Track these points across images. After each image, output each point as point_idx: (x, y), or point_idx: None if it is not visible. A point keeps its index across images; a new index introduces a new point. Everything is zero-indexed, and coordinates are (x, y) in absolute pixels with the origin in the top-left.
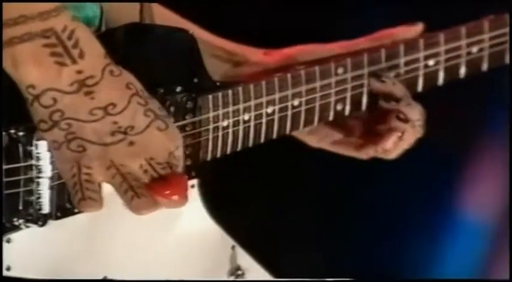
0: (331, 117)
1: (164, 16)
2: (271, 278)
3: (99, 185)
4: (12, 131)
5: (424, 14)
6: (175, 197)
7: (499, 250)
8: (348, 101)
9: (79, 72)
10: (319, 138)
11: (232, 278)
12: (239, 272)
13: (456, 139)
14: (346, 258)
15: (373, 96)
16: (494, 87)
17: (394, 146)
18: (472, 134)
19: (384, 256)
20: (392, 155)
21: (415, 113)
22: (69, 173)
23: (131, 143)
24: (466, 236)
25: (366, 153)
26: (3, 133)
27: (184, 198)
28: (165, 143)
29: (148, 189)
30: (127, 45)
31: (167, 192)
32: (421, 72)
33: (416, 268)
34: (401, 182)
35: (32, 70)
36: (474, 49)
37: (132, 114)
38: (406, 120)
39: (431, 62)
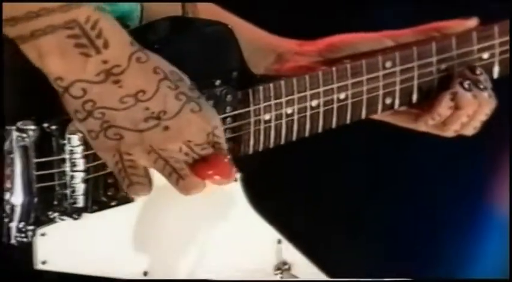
0: (379, 111)
1: (209, 11)
2: (317, 271)
3: (145, 169)
4: (45, 125)
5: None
6: (217, 177)
7: None
8: (397, 95)
9: (104, 62)
10: (382, 116)
11: (278, 273)
12: (285, 267)
13: (490, 136)
14: (385, 254)
15: (426, 89)
16: None
17: (447, 110)
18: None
19: (421, 254)
20: (451, 129)
21: (491, 103)
22: (112, 160)
23: (166, 128)
24: (498, 233)
25: (424, 122)
26: (36, 127)
27: (227, 176)
28: (201, 124)
29: (191, 170)
30: (166, 38)
31: (210, 172)
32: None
33: (452, 266)
34: (436, 178)
35: (58, 62)
36: None
37: (163, 99)
38: (468, 89)
39: (485, 55)
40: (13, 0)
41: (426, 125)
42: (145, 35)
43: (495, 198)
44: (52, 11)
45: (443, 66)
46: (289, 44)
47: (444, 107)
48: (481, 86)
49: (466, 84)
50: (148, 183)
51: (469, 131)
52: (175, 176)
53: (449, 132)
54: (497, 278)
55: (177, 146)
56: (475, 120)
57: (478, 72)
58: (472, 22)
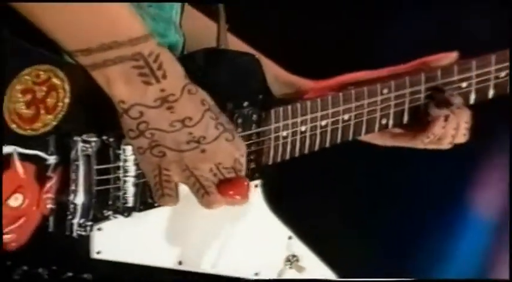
0: (376, 130)
1: (236, 44)
2: (320, 262)
3: (176, 184)
4: (105, 138)
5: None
6: (237, 197)
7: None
8: (391, 117)
9: (162, 90)
10: (381, 136)
11: (288, 264)
12: (294, 259)
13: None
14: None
15: (414, 112)
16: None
17: (441, 129)
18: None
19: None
20: (445, 142)
21: (466, 113)
22: (151, 173)
23: (203, 151)
24: (477, 233)
25: (421, 141)
26: (97, 139)
27: (245, 197)
28: (232, 151)
29: (217, 189)
30: (204, 66)
31: (231, 192)
32: (453, 93)
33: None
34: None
35: (122, 88)
36: (502, 74)
37: (205, 127)
38: (449, 105)
39: (464, 84)
40: (40, 0)
41: (423, 143)
42: (188, 64)
43: (473, 201)
44: (122, 44)
45: (420, 91)
46: (307, 82)
47: (438, 127)
48: (454, 102)
49: (455, 103)
50: (176, 196)
51: (461, 139)
52: (202, 192)
53: (445, 145)
54: (497, 278)
55: (208, 166)
56: (460, 130)
57: (446, 90)
58: (454, 55)
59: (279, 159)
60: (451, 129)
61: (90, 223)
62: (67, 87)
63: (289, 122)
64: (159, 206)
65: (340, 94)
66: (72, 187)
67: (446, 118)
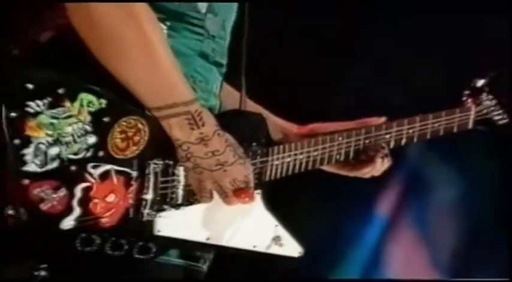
0: (333, 162)
1: (253, 107)
2: (293, 240)
3: (210, 190)
4: (167, 161)
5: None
6: (246, 199)
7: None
8: (343, 154)
9: (201, 133)
10: (334, 166)
11: (273, 241)
12: (278, 239)
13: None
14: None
15: (356, 152)
16: None
17: (380, 165)
18: None
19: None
20: (378, 173)
21: (388, 159)
22: (194, 184)
23: (225, 170)
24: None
25: (362, 172)
26: (162, 162)
27: (251, 200)
28: (243, 171)
29: (233, 194)
30: (231, 120)
31: (243, 196)
32: (381, 141)
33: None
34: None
35: (178, 132)
36: (411, 131)
37: (227, 156)
38: (386, 155)
39: (387, 136)
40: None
41: (362, 172)
42: (222, 118)
43: (378, 208)
44: (179, 105)
45: (367, 140)
46: (292, 127)
47: (379, 163)
48: (384, 153)
49: (382, 153)
50: (210, 197)
51: (380, 172)
52: (224, 195)
53: (367, 176)
54: (497, 279)
55: (228, 180)
56: (384, 165)
57: (383, 146)
58: (383, 119)
59: (272, 178)
60: (378, 165)
61: (154, 213)
62: (146, 129)
63: (280, 155)
64: (198, 203)
65: (313, 140)
66: (145, 191)
67: (384, 158)
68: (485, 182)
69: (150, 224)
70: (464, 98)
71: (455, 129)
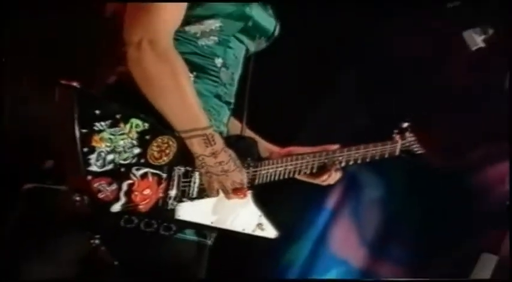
0: (302, 173)
1: (248, 132)
2: (272, 228)
3: (217, 189)
4: (187, 168)
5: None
6: (241, 196)
7: None
8: (309, 168)
9: (213, 149)
10: (301, 176)
11: (257, 227)
12: (261, 225)
13: None
14: None
15: (318, 168)
16: None
17: (334, 176)
18: None
19: None
20: (332, 181)
21: (339, 172)
22: (206, 184)
23: (227, 176)
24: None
25: (321, 180)
26: (184, 168)
27: (245, 197)
28: (240, 177)
29: (232, 192)
30: (233, 142)
31: (239, 194)
32: (335, 160)
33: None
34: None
35: (197, 148)
36: (351, 158)
37: (229, 165)
38: (338, 170)
39: (340, 158)
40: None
41: (321, 181)
42: (228, 140)
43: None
44: (198, 129)
45: (326, 160)
46: (275, 148)
47: (333, 174)
48: (336, 168)
49: (335, 168)
50: (217, 193)
51: (332, 182)
52: (226, 192)
53: (325, 183)
54: (497, 279)
55: (229, 182)
56: (337, 176)
57: (336, 164)
58: (337, 146)
59: (260, 183)
60: (333, 177)
61: (176, 203)
62: (175, 145)
63: (266, 167)
64: (207, 197)
65: (289, 157)
66: (170, 188)
67: (336, 171)
68: (399, 189)
69: (172, 211)
70: (393, 135)
71: (386, 156)
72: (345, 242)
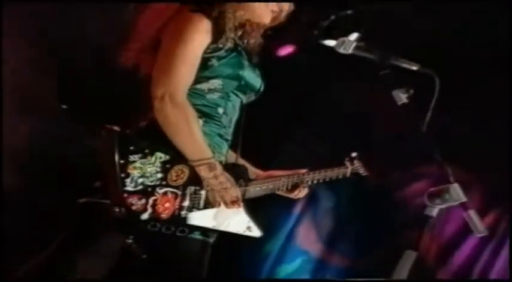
0: (280, 190)
1: (241, 161)
2: (257, 229)
3: (218, 202)
4: (196, 187)
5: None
6: (236, 206)
7: None
8: (285, 186)
9: (215, 174)
10: (279, 192)
11: (247, 229)
12: (250, 227)
13: None
14: None
15: (292, 186)
16: None
17: (303, 192)
18: None
19: None
20: (302, 195)
21: (307, 189)
22: (211, 198)
23: (226, 192)
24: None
25: (293, 195)
26: (194, 187)
27: (239, 207)
28: (236, 193)
29: (230, 203)
30: (229, 168)
31: (235, 205)
32: (304, 180)
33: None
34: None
35: (204, 172)
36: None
37: (227, 185)
38: (305, 187)
39: (307, 179)
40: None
41: (294, 195)
42: (226, 167)
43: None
44: (204, 159)
45: (297, 180)
46: (259, 171)
47: (302, 190)
48: (304, 186)
49: (304, 186)
50: (219, 205)
51: (301, 196)
52: (225, 204)
53: (296, 197)
54: (497, 279)
55: (228, 196)
56: (304, 193)
57: (304, 183)
58: (305, 170)
59: (250, 197)
60: (302, 192)
61: (188, 212)
62: (187, 171)
63: (253, 186)
64: (212, 207)
65: (270, 179)
66: (184, 201)
67: (305, 188)
68: (345, 200)
69: (185, 218)
70: (345, 162)
71: (340, 177)
72: (307, 238)
